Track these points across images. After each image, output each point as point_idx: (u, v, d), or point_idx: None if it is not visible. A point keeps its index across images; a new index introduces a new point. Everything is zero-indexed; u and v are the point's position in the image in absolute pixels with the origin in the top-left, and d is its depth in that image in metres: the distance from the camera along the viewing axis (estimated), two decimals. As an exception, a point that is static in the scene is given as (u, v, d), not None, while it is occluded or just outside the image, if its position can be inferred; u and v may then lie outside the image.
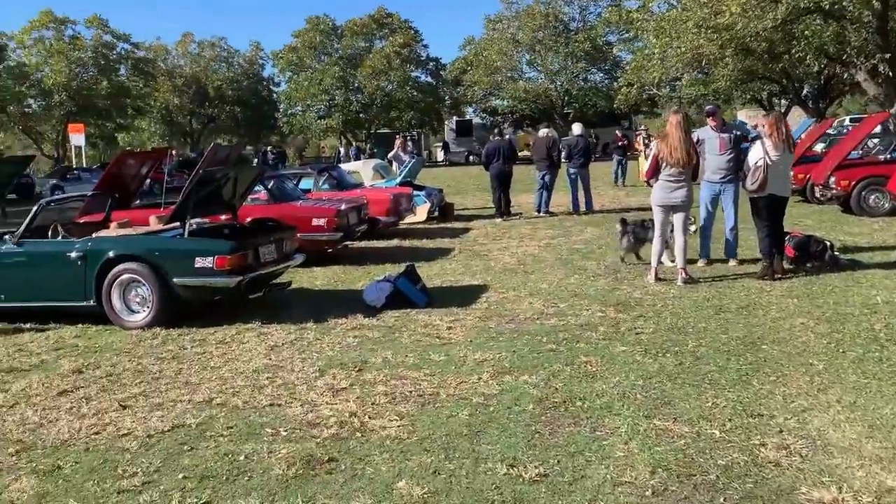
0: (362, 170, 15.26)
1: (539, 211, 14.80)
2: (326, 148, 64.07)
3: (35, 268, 7.19)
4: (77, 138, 36.07)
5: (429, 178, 23.10)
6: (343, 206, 10.42)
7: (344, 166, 15.72)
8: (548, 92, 46.03)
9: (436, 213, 15.48)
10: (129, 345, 6.31)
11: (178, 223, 7.25)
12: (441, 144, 50.13)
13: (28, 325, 7.15)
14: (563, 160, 15.35)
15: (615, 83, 40.43)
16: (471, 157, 46.45)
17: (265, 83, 58.07)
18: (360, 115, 50.03)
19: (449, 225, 14.50)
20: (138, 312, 6.96)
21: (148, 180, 12.49)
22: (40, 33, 42.52)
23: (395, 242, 12.33)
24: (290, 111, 52.31)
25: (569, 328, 6.12)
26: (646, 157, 17.78)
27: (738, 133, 8.75)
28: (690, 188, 7.81)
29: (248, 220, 9.24)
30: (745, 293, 7.13)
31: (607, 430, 3.99)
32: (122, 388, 5.10)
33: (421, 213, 14.63)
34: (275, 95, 57.23)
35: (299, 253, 8.17)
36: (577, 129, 15.93)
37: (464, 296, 7.57)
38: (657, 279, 7.83)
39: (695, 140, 8.23)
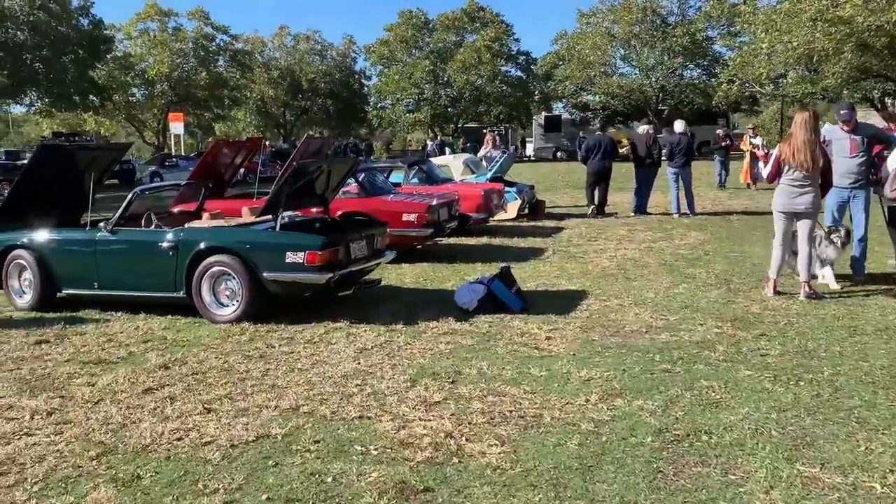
0: (452, 164, 14.90)
1: (637, 213, 14.13)
2: (413, 142, 64.31)
3: (128, 256, 7.14)
4: (176, 127, 37.34)
5: (516, 175, 22.57)
6: (434, 202, 10.08)
7: (434, 160, 15.41)
8: (642, 88, 44.59)
9: (526, 211, 15.00)
10: (216, 340, 6.13)
11: (270, 216, 7.06)
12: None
13: (119, 314, 7.11)
14: (662, 159, 14.61)
15: (714, 80, 38.78)
16: (558, 154, 45.81)
17: (356, 76, 58.72)
18: (449, 109, 49.88)
19: (540, 223, 13.98)
20: (227, 306, 6.81)
21: (242, 170, 12.58)
22: (145, 25, 44.19)
23: (484, 240, 11.92)
24: (379, 104, 52.67)
25: (683, 346, 5.55)
26: (755, 158, 16.74)
27: (872, 134, 7.88)
28: (817, 193, 7.07)
29: (338, 213, 9.09)
30: (881, 313, 6.37)
31: (742, 473, 3.46)
32: (207, 388, 4.88)
33: (512, 209, 14.17)
34: (365, 89, 57.81)
35: (390, 250, 7.87)
36: (679, 126, 15.07)
37: (561, 302, 7.08)
38: (776, 292, 7.14)
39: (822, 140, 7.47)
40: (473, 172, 14.99)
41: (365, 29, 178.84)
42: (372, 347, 5.75)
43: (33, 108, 36.56)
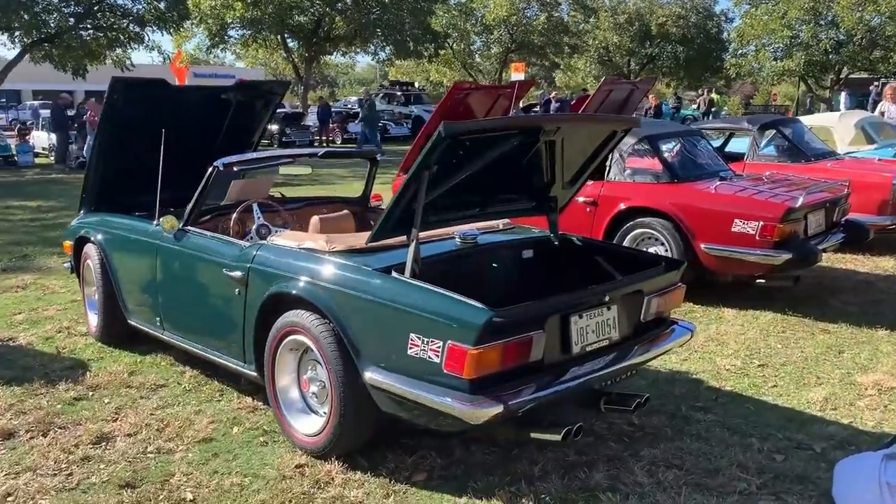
0: (837, 127, 9.51)
1: None
2: (778, 97, 54.90)
3: (189, 285, 4.00)
4: (518, 76, 35.09)
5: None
6: (801, 199, 5.39)
7: (807, 120, 10.10)
8: None
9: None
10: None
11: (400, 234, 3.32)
12: None
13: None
14: None
15: None
16: None
17: (716, 19, 51.11)
18: (830, 55, 40.42)
19: None
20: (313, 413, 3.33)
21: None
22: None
23: (890, 264, 6.81)
24: (739, 51, 44.90)
25: None
26: None
27: None
28: None
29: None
30: None
31: None
32: None
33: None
34: (725, 33, 50.01)
35: (682, 323, 3.64)
36: None
37: None
38: None
39: None
40: (874, 142, 9.46)
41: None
42: None
43: (375, 59, 37.12)
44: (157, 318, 4.24)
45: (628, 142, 6.05)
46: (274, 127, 22.54)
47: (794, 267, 5.34)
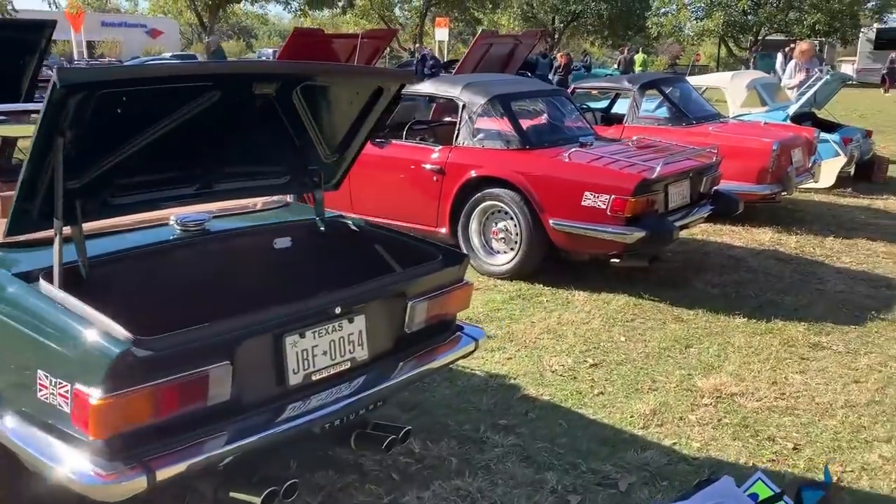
0: (728, 88, 8.98)
1: None
2: (702, 56, 55.16)
3: None
4: (441, 33, 33.73)
5: (840, 109, 15.43)
6: (657, 170, 4.75)
7: (697, 80, 9.54)
8: None
9: (851, 173, 8.83)
10: None
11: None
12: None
13: None
14: None
15: None
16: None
17: (640, -24, 50.75)
18: (748, 16, 40.63)
19: (880, 201, 7.86)
20: None
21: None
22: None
23: (769, 238, 6.33)
24: (662, 10, 44.70)
25: None
26: None
27: None
28: None
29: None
30: None
31: None
32: None
33: (828, 172, 8.09)
34: (649, -9, 49.71)
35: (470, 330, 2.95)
36: None
37: None
38: None
39: None
40: (766, 104, 9.00)
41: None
42: None
43: (287, 8, 35.26)
44: None
45: (477, 101, 5.30)
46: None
47: (649, 245, 4.73)
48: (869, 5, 41.35)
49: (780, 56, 16.55)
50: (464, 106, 5.36)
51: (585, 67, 26.80)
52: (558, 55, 24.44)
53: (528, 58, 32.18)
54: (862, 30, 40.35)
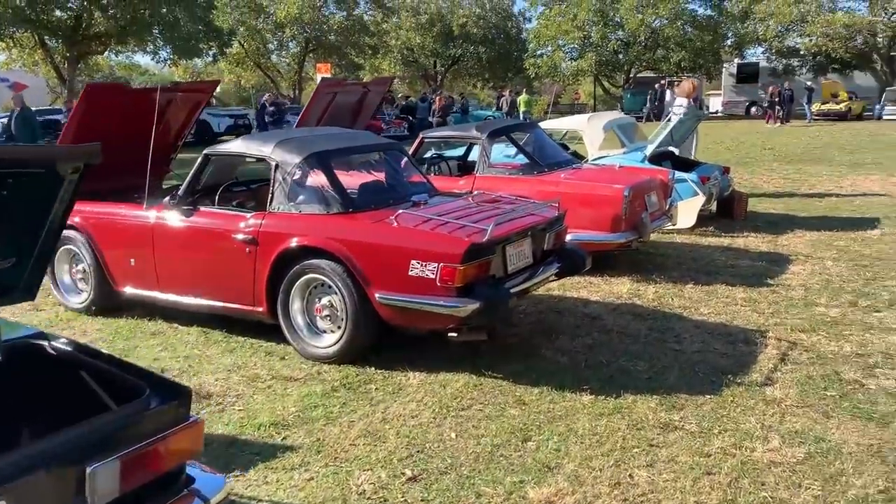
0: (586, 130, 8.76)
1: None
2: (582, 94, 57.11)
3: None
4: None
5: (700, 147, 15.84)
6: (489, 232, 4.22)
7: (555, 124, 9.28)
8: (872, 27, 34.69)
9: (713, 210, 8.74)
10: None
11: None
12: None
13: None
14: None
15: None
16: (753, 110, 37.45)
17: (514, 20, 52.17)
18: (619, 55, 42.28)
19: (740, 239, 7.73)
20: None
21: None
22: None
23: (625, 288, 5.95)
24: (538, 51, 45.92)
25: None
26: None
27: None
28: None
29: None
30: None
31: None
32: None
33: (687, 213, 7.91)
34: (524, 34, 51.12)
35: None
36: None
37: None
38: None
39: None
40: (624, 146, 8.82)
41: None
42: None
43: (155, 59, 33.71)
44: None
45: (291, 161, 4.67)
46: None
47: (485, 317, 4.18)
48: (728, 42, 43.91)
49: (668, 92, 16.87)
50: (277, 166, 4.71)
51: (463, 110, 26.76)
52: (436, 98, 24.30)
53: (408, 101, 31.99)
54: (724, 65, 42.68)
